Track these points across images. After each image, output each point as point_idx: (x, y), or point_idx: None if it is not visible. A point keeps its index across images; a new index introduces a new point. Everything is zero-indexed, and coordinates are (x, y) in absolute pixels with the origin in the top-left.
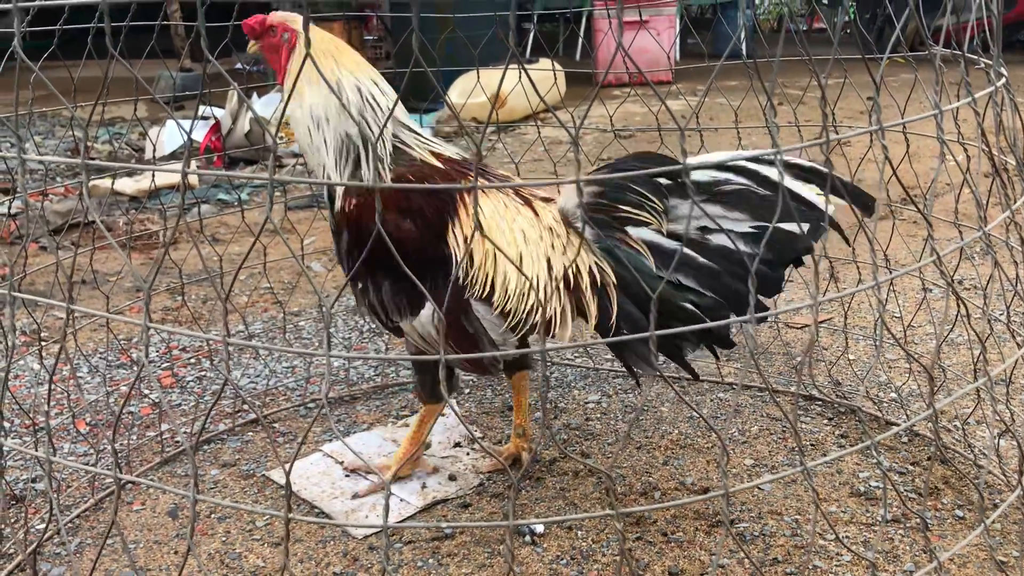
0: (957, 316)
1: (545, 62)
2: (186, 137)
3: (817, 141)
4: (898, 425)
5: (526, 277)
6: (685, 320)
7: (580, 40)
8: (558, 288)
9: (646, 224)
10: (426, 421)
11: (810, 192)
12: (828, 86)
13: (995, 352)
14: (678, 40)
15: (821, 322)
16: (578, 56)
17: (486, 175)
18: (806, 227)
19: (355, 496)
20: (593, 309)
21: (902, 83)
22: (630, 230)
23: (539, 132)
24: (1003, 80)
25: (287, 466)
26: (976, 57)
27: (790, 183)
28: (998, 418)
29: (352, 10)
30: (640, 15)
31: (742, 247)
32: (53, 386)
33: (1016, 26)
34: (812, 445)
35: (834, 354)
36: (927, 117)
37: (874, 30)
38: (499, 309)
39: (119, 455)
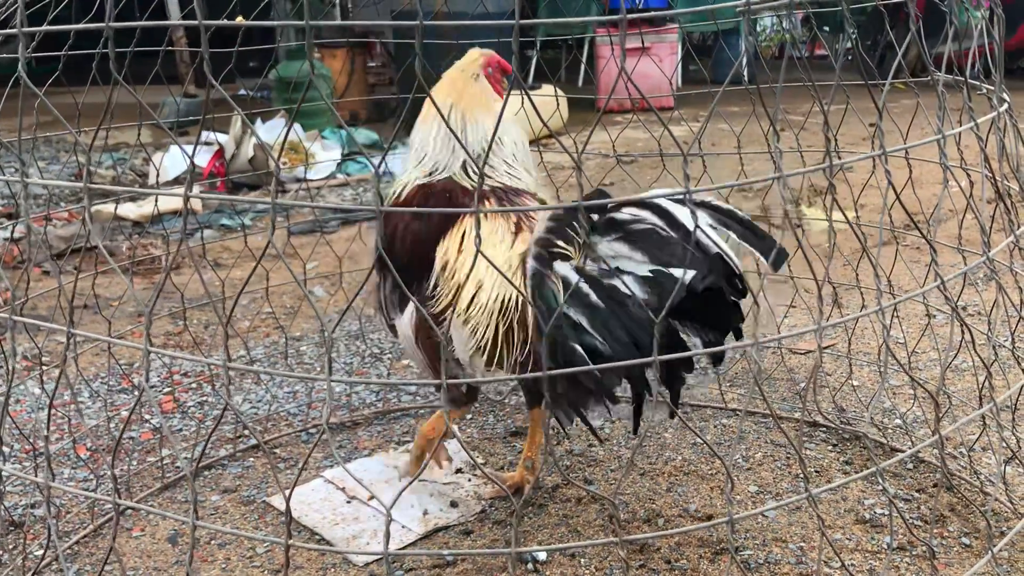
0: (962, 342)
1: (547, 88)
2: (189, 161)
3: (820, 166)
4: (903, 452)
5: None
6: (578, 363)
7: (583, 66)
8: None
9: (570, 259)
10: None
11: (714, 236)
12: (830, 112)
13: (1000, 378)
14: (680, 66)
15: (825, 348)
16: (580, 82)
17: (504, 200)
18: (691, 274)
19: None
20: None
21: (904, 109)
22: (556, 265)
23: (541, 157)
24: (1005, 105)
25: (287, 492)
26: (978, 83)
27: (702, 224)
28: (1004, 445)
29: (355, 37)
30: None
31: (635, 289)
32: (54, 411)
33: (1017, 53)
34: (817, 472)
35: (838, 380)
36: (929, 142)
37: (876, 57)
38: (464, 322)
39: (119, 481)
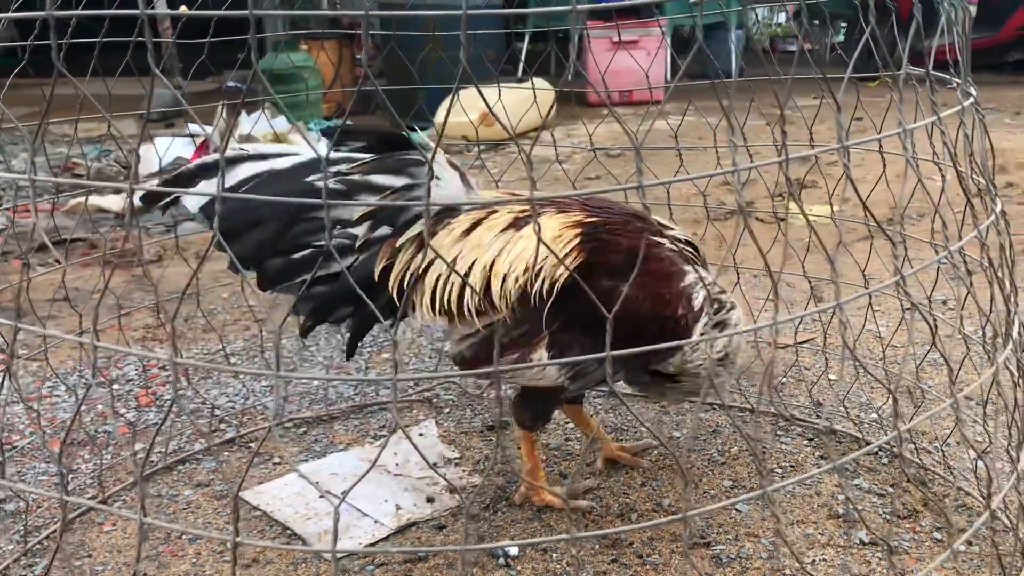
0: (934, 336)
1: (538, 82)
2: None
3: (774, 160)
4: (877, 444)
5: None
6: None
7: (571, 60)
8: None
9: None
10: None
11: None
12: (810, 107)
13: (975, 373)
14: (669, 60)
15: (803, 342)
16: (570, 76)
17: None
18: None
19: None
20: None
21: (892, 104)
22: None
23: (519, 151)
24: (971, 100)
25: (235, 487)
26: (948, 77)
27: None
28: (975, 439)
29: (344, 30)
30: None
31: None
32: (28, 405)
33: (1004, 47)
34: (791, 466)
35: (815, 374)
36: (892, 135)
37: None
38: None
39: (92, 475)
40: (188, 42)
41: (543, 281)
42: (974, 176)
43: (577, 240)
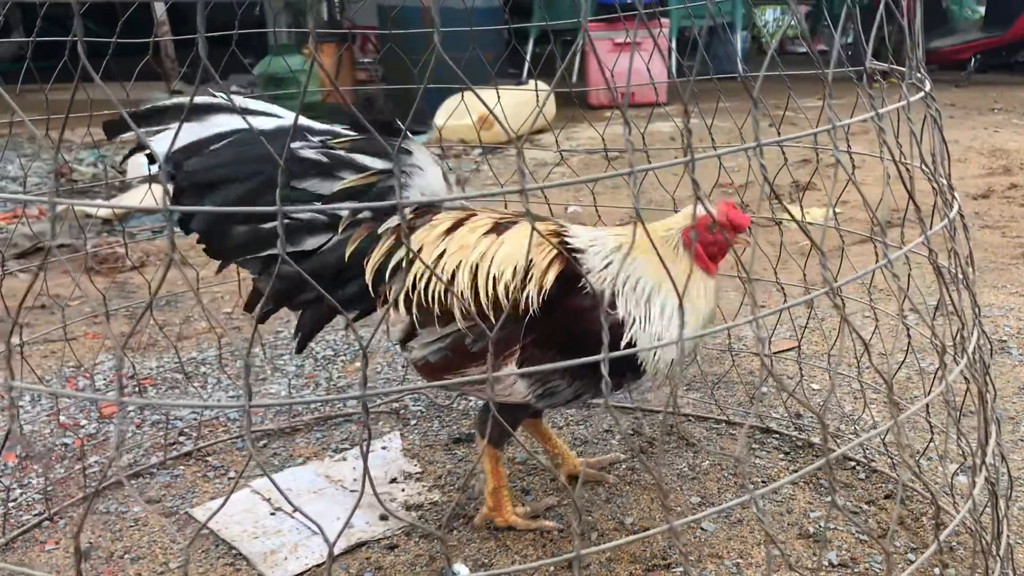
0: (909, 344)
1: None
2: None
3: (691, 157)
4: (855, 459)
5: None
6: None
7: (575, 61)
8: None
9: None
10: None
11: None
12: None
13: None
14: (674, 61)
15: (784, 351)
16: (574, 77)
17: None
18: None
19: None
20: None
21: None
22: None
23: (521, 153)
24: (921, 94)
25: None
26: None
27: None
28: (944, 450)
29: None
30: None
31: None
32: None
33: (1012, 47)
34: (763, 481)
35: (796, 384)
36: (823, 131)
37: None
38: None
39: (44, 489)
40: (185, 38)
41: (532, 288)
42: (938, 177)
43: (555, 252)
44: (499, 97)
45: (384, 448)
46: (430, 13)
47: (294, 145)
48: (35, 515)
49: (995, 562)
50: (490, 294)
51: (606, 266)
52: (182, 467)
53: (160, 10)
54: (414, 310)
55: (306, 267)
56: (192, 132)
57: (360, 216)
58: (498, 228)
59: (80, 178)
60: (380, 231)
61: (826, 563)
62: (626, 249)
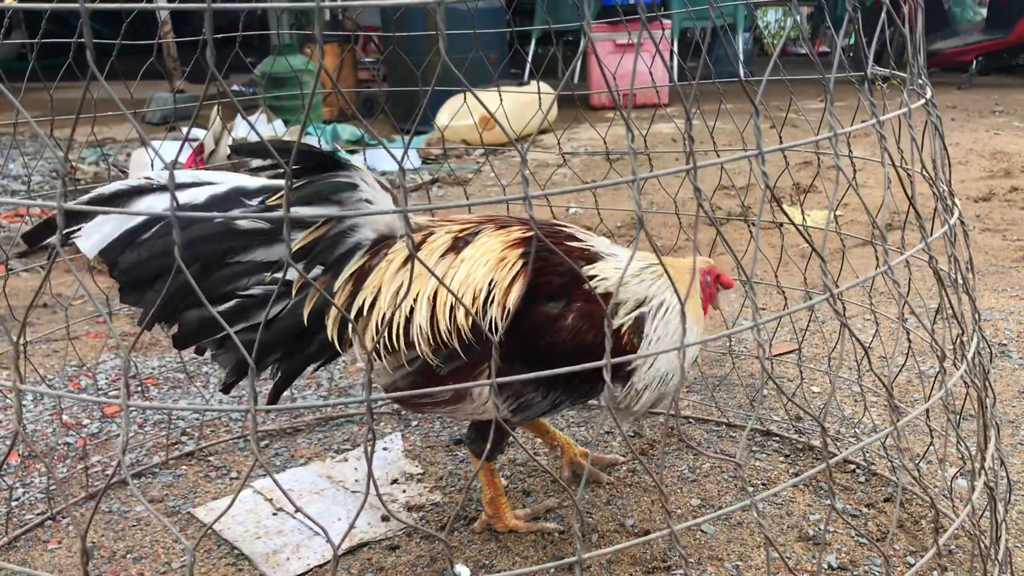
0: (909, 348)
1: (534, 85)
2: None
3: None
4: (854, 463)
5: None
6: None
7: (576, 62)
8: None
9: None
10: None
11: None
12: (815, 109)
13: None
14: (676, 63)
15: (785, 353)
16: (575, 79)
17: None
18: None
19: None
20: None
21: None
22: None
23: (524, 160)
24: (922, 101)
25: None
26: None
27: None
28: (953, 457)
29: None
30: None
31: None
32: None
33: (1014, 50)
34: (763, 484)
35: (797, 387)
36: (823, 139)
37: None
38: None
39: (44, 489)
40: (187, 39)
41: (494, 312)
42: (938, 183)
43: (521, 262)
44: (501, 98)
45: (385, 449)
46: (433, 14)
47: (232, 215)
48: (38, 514)
49: (994, 566)
50: (449, 325)
51: (625, 280)
52: (184, 467)
53: (163, 11)
54: (383, 353)
55: (266, 337)
56: (119, 223)
57: (312, 275)
58: (456, 246)
59: (83, 176)
60: (337, 285)
61: (825, 566)
62: (655, 269)
